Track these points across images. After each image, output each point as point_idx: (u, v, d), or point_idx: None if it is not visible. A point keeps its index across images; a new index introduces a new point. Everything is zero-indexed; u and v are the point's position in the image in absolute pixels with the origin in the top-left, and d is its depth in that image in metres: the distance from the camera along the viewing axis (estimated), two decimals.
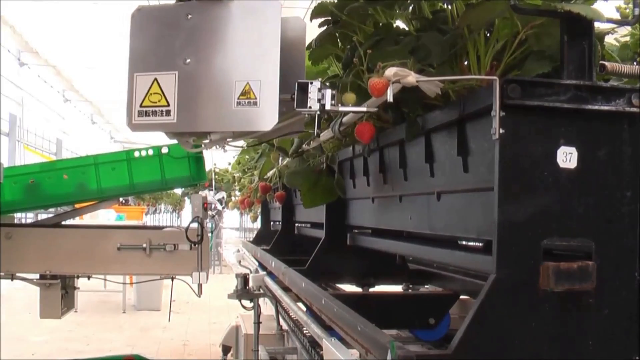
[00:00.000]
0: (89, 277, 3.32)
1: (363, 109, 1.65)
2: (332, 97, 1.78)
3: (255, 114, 1.76)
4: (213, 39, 1.83)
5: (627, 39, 1.55)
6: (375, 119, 1.77)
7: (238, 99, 1.76)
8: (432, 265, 2.38)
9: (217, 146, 2.10)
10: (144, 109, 1.81)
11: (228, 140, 2.05)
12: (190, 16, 1.82)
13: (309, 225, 3.23)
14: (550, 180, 1.10)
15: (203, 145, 2.07)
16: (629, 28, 1.52)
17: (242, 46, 1.82)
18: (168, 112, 1.80)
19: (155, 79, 1.81)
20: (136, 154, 3.10)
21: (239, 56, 1.81)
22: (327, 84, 1.82)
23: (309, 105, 1.78)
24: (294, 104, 1.77)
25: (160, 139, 2.74)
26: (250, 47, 1.81)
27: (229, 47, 1.82)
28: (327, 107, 1.74)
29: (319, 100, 1.79)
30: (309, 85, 1.77)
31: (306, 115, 1.93)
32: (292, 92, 1.77)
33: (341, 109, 1.73)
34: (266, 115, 1.76)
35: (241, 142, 2.55)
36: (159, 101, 1.81)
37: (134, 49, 1.88)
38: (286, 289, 2.52)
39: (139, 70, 1.83)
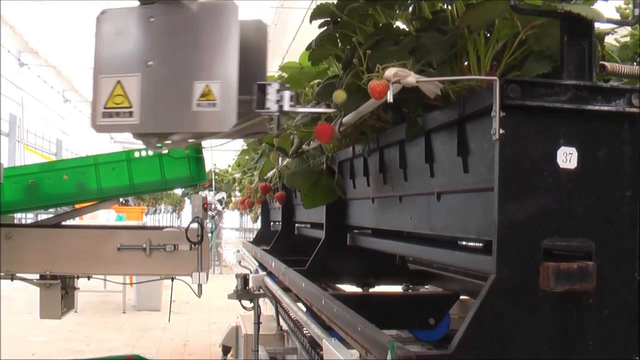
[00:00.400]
0: (89, 278, 3.32)
1: (322, 109, 1.71)
2: (291, 99, 1.84)
3: (215, 115, 1.81)
4: (174, 41, 1.88)
5: (627, 39, 1.55)
6: (375, 119, 1.77)
7: (198, 100, 1.81)
8: (432, 266, 2.38)
9: (179, 146, 2.17)
10: (108, 110, 1.86)
11: (189, 140, 2.11)
12: (152, 19, 1.86)
13: (309, 225, 3.23)
14: (550, 181, 1.10)
15: (164, 145, 2.14)
16: (629, 28, 1.52)
17: (202, 48, 1.87)
18: (131, 114, 1.85)
19: (119, 81, 1.86)
20: (136, 154, 3.10)
21: (199, 58, 1.86)
22: (287, 85, 1.87)
23: (267, 106, 1.83)
24: (253, 106, 1.82)
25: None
26: (210, 48, 1.86)
27: (189, 49, 1.88)
28: (286, 108, 1.79)
29: (277, 102, 1.84)
30: (268, 87, 1.83)
31: (266, 116, 1.98)
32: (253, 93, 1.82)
33: (300, 110, 1.79)
34: (225, 117, 1.81)
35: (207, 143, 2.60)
36: (122, 103, 1.85)
37: (98, 52, 1.93)
38: (286, 289, 2.52)
39: (103, 73, 1.88)
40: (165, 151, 2.37)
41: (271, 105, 1.85)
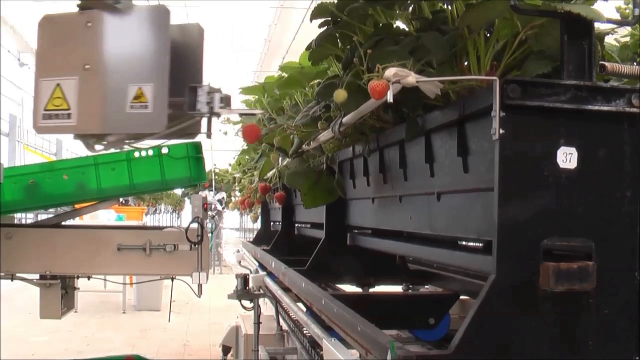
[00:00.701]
0: (89, 277, 3.32)
1: (256, 111, 1.77)
2: (221, 100, 1.90)
3: (147, 117, 1.87)
4: (110, 46, 1.94)
5: (627, 39, 1.55)
6: (375, 119, 1.77)
7: (131, 102, 1.87)
8: (432, 266, 2.39)
9: (115, 147, 2.24)
10: (48, 112, 1.92)
11: (126, 141, 2.17)
12: (90, 24, 1.92)
13: (309, 225, 3.23)
14: (550, 181, 1.10)
15: (103, 146, 2.19)
16: (629, 28, 1.52)
17: (135, 52, 1.93)
18: (69, 115, 1.91)
19: (58, 84, 1.92)
20: (136, 154, 3.09)
21: (133, 62, 1.92)
22: (218, 88, 1.93)
23: (198, 108, 1.90)
24: (185, 107, 1.89)
25: (160, 140, 2.75)
26: (143, 52, 1.92)
27: (123, 53, 1.94)
28: (216, 109, 1.85)
29: (207, 104, 1.91)
30: (198, 89, 1.89)
31: (196, 117, 2.06)
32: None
33: (228, 112, 1.85)
34: (156, 118, 1.88)
35: (144, 143, 2.65)
36: (61, 105, 1.91)
37: (40, 56, 1.99)
38: (286, 289, 2.52)
39: (43, 76, 1.93)
40: (104, 150, 2.43)
41: (202, 106, 1.93)
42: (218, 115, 1.97)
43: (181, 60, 1.99)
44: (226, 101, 2.01)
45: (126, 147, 2.72)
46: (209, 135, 2.24)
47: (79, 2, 1.93)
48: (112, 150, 3.08)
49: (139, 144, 2.68)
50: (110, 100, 1.95)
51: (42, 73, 1.94)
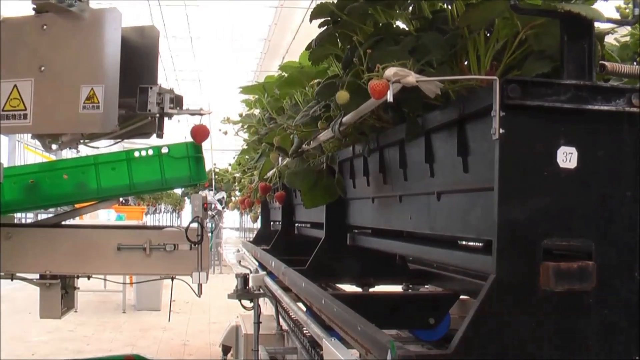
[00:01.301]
0: (89, 277, 3.31)
1: (204, 112, 1.86)
2: (171, 101, 1.97)
3: (99, 117, 1.94)
4: (64, 48, 2.00)
5: (627, 39, 1.55)
6: (375, 119, 1.77)
7: (84, 103, 1.93)
8: (432, 265, 2.39)
9: (70, 147, 2.31)
10: (5, 113, 1.98)
11: (81, 141, 2.25)
12: (45, 27, 1.98)
13: (309, 225, 3.23)
14: (550, 180, 1.10)
15: (57, 146, 2.24)
16: (629, 28, 1.52)
17: (88, 54, 1.99)
18: (25, 116, 1.98)
19: (15, 85, 1.97)
20: (136, 154, 3.09)
21: (85, 63, 1.98)
22: (170, 88, 1.99)
23: (148, 108, 1.97)
24: (136, 107, 1.96)
25: (160, 140, 2.75)
26: (95, 54, 1.99)
27: (76, 55, 2.00)
28: (166, 110, 1.92)
29: (158, 104, 1.97)
30: (149, 90, 1.95)
31: (149, 118, 2.12)
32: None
33: (178, 112, 1.94)
34: (108, 118, 1.94)
35: (102, 143, 2.71)
36: (17, 105, 1.97)
37: None
38: (286, 289, 2.52)
39: (3, 77, 1.98)
40: (59, 150, 2.49)
41: (152, 107, 2.00)
42: (169, 115, 2.06)
43: (137, 61, 2.06)
44: (177, 102, 2.09)
45: (80, 147, 2.78)
46: (159, 135, 2.31)
47: (35, 5, 1.98)
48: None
49: (107, 143, 2.70)
50: (63, 101, 2.02)
51: (1, 75, 2.00)
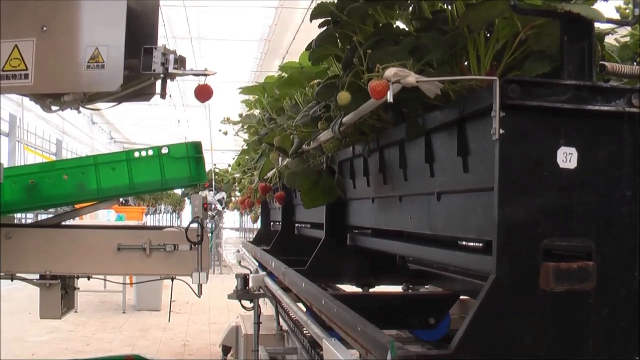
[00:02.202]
0: (89, 277, 3.31)
1: (209, 72, 1.88)
2: (176, 62, 1.98)
3: (103, 76, 1.94)
4: (67, 7, 1.98)
5: (627, 39, 1.55)
6: (375, 119, 1.77)
7: (88, 62, 1.93)
8: (432, 266, 2.38)
9: (71, 107, 2.29)
10: (5, 73, 1.96)
11: (81, 102, 2.23)
12: None
13: (309, 225, 3.23)
14: (550, 181, 1.10)
15: (58, 107, 2.23)
16: (629, 28, 1.52)
17: (92, 13, 1.99)
18: (26, 76, 1.97)
19: (16, 45, 1.96)
20: (136, 154, 3.09)
21: (89, 23, 1.98)
22: (173, 49, 1.99)
23: (153, 68, 1.97)
24: (140, 67, 1.96)
25: (160, 140, 2.75)
26: (100, 14, 1.98)
27: (80, 14, 1.99)
28: (170, 70, 1.92)
29: (162, 64, 1.98)
30: (154, 50, 1.96)
31: (152, 79, 2.14)
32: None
33: (182, 73, 1.94)
34: (112, 77, 1.95)
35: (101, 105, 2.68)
36: (18, 65, 1.96)
37: None
38: (286, 289, 2.52)
39: (2, 38, 1.97)
40: (60, 110, 2.47)
41: (157, 67, 2.01)
42: (172, 76, 2.06)
43: (137, 22, 2.07)
44: (181, 63, 2.10)
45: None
46: (162, 96, 2.31)
47: None
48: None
49: (105, 105, 2.67)
50: (66, 61, 2.02)
51: (1, 35, 1.98)
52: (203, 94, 2.17)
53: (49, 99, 2.19)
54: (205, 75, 2.19)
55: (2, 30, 2.00)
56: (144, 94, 2.39)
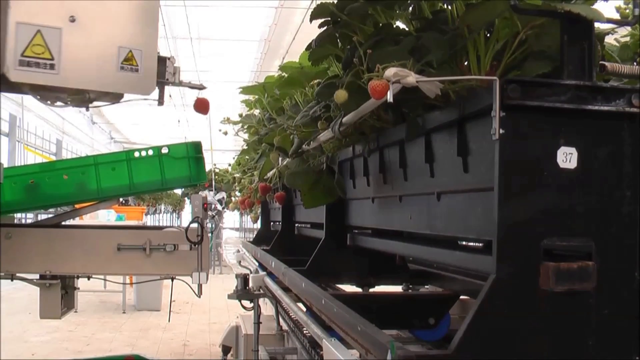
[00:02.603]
0: (89, 277, 3.31)
1: (203, 86, 1.93)
2: (174, 72, 2.04)
3: (137, 79, 1.92)
4: (98, 3, 1.94)
5: (627, 39, 1.55)
6: (375, 119, 1.77)
7: (122, 63, 1.91)
8: (432, 266, 2.38)
9: (80, 105, 2.25)
10: (26, 59, 1.87)
11: (96, 100, 2.21)
12: None
13: (309, 225, 3.23)
14: (550, 181, 1.10)
15: (64, 103, 2.20)
16: (629, 28, 1.52)
17: (126, 14, 1.95)
18: (52, 66, 1.89)
19: (39, 31, 1.88)
20: (136, 154, 3.10)
21: (124, 23, 1.94)
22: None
23: (166, 77, 2.03)
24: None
25: (160, 140, 2.75)
26: (134, 16, 1.94)
27: (114, 12, 1.95)
28: (176, 81, 2.06)
29: (173, 74, 2.10)
30: (167, 60, 2.04)
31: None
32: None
33: (180, 83, 2.03)
34: (146, 82, 1.95)
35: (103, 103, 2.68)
36: (42, 53, 1.88)
37: None
38: (286, 289, 2.52)
39: (21, 18, 1.88)
40: (67, 107, 2.45)
41: (169, 76, 2.06)
42: (170, 84, 2.12)
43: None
44: (176, 73, 2.16)
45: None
46: (161, 103, 2.32)
47: None
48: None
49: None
50: (99, 58, 1.97)
51: (19, 14, 1.89)
52: (202, 107, 2.24)
53: (62, 93, 2.14)
54: (200, 89, 2.27)
55: (20, 11, 1.91)
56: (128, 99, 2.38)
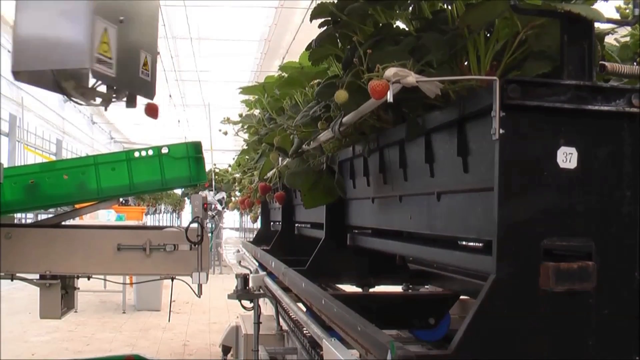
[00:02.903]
0: (89, 277, 3.31)
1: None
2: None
3: (147, 84, 1.95)
4: (142, 6, 1.94)
5: (627, 39, 1.55)
6: (375, 119, 1.77)
7: (142, 68, 1.93)
8: (432, 266, 2.39)
9: (87, 104, 2.27)
10: (99, 56, 1.85)
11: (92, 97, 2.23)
12: None
13: (309, 225, 3.23)
14: (550, 181, 1.10)
15: (79, 99, 2.22)
16: (629, 28, 1.52)
17: (144, 19, 1.95)
18: (110, 65, 1.89)
19: (106, 29, 1.85)
20: (136, 154, 3.10)
21: (144, 29, 1.95)
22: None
23: None
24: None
25: (160, 140, 2.76)
26: (148, 22, 1.95)
27: (138, 16, 1.94)
28: None
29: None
30: None
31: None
32: None
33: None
34: (151, 86, 1.97)
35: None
36: (106, 52, 1.86)
37: None
38: (286, 289, 2.52)
39: (99, 14, 1.84)
40: (84, 105, 2.46)
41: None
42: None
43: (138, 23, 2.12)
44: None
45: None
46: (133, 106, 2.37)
47: None
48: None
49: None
50: (134, 61, 1.99)
51: (100, 10, 1.84)
52: (152, 111, 2.27)
53: (87, 90, 2.14)
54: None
55: (102, 7, 1.88)
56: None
